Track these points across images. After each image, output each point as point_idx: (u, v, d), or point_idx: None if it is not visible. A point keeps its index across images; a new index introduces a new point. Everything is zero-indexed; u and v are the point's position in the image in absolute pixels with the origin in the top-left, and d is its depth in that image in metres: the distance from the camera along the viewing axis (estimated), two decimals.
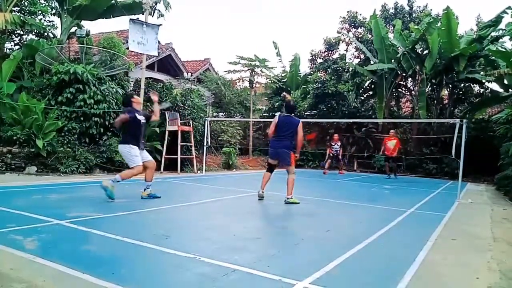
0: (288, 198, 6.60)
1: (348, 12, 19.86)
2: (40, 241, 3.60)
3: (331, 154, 14.79)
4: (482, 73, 15.41)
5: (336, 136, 15.10)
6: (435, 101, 16.95)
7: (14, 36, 13.54)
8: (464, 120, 8.41)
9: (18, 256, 3.11)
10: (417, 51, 16.07)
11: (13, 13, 11.64)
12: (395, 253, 3.92)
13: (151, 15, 11.62)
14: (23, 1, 12.68)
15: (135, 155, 6.08)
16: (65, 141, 9.78)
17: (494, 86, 16.33)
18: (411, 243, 4.32)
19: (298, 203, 6.54)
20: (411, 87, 17.76)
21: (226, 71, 19.26)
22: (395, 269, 3.33)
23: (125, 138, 6.27)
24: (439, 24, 14.98)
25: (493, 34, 14.80)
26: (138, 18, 11.10)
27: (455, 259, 3.77)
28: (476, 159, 12.61)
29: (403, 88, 18.75)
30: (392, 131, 14.13)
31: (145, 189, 6.37)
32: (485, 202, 8.45)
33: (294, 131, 6.64)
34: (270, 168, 7.04)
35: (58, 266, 2.90)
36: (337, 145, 14.81)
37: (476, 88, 17.46)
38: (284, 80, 20.46)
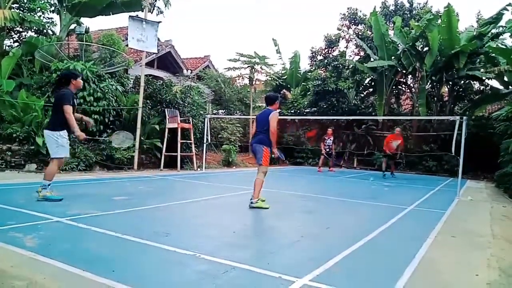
0: (252, 202, 5.76)
1: (348, 9, 19.86)
2: (40, 238, 3.61)
3: (325, 151, 14.60)
4: (482, 70, 15.41)
5: (329, 130, 14.77)
6: (435, 98, 16.95)
7: (13, 33, 13.50)
8: (464, 117, 8.41)
9: (19, 253, 3.12)
10: (417, 48, 16.05)
11: (12, 10, 11.60)
12: (394, 250, 3.93)
13: (150, 12, 11.62)
14: None
15: (62, 145, 5.47)
16: None
17: (494, 83, 16.35)
18: (410, 240, 4.32)
19: (267, 207, 5.75)
20: (411, 84, 17.75)
21: (226, 68, 19.28)
22: (394, 266, 3.34)
23: (56, 122, 5.49)
24: (439, 21, 14.94)
25: (493, 31, 14.78)
26: (137, 15, 11.10)
27: (455, 256, 3.78)
28: (476, 156, 12.61)
29: (403, 85, 18.74)
30: (398, 129, 13.38)
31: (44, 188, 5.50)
32: (485, 199, 8.45)
33: (267, 121, 5.82)
34: None
35: (58, 263, 2.91)
36: (330, 139, 14.58)
37: (476, 85, 17.46)
38: (284, 77, 20.44)
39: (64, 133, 5.48)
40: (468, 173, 13.38)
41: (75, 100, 5.71)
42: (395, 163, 13.64)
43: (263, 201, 5.87)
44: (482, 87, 17.34)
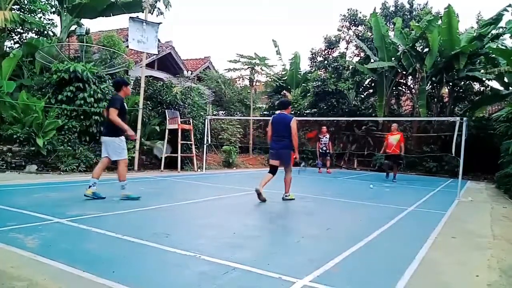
0: (286, 195, 6.80)
1: (348, 10, 19.89)
2: (41, 239, 3.61)
3: (320, 151, 14.28)
4: (482, 71, 15.42)
5: (324, 128, 14.50)
6: (435, 99, 16.96)
7: (14, 35, 13.51)
8: (464, 118, 8.41)
9: (19, 254, 3.12)
10: (418, 49, 16.08)
11: (13, 11, 11.62)
12: (395, 251, 3.93)
13: (151, 13, 11.63)
14: None
15: (123, 148, 5.92)
16: (65, 140, 9.78)
17: (495, 84, 16.35)
18: (411, 241, 4.32)
19: (294, 199, 6.81)
20: (411, 85, 17.77)
21: (226, 69, 19.27)
22: (395, 267, 3.34)
23: (113, 129, 5.79)
24: (439, 22, 14.96)
25: (493, 32, 14.80)
26: (138, 16, 11.11)
27: (455, 257, 3.78)
28: (476, 157, 12.61)
29: (403, 86, 18.76)
30: (394, 124, 12.20)
31: (91, 186, 5.89)
32: (485, 200, 8.45)
33: (289, 127, 6.48)
34: (272, 170, 6.72)
35: (59, 264, 2.91)
36: (326, 137, 14.17)
37: (477, 86, 17.49)
38: (284, 79, 20.45)
39: (123, 137, 5.91)
40: (468, 174, 13.38)
41: (124, 105, 6.02)
42: (397, 164, 12.32)
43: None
44: (482, 88, 17.37)
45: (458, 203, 7.62)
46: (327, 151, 14.27)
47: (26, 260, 3.00)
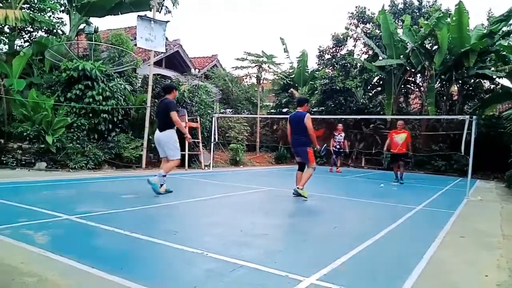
0: (298, 188, 6.61)
1: (356, 7, 19.78)
2: (50, 235, 3.65)
3: (334, 149, 13.78)
4: (492, 68, 15.21)
5: (339, 126, 13.98)
6: (445, 97, 16.78)
7: (24, 33, 13.65)
8: (474, 117, 8.32)
9: (29, 250, 3.16)
10: (426, 46, 15.91)
11: (23, 10, 11.74)
12: (403, 250, 3.91)
13: (158, 11, 11.68)
14: None
15: (177, 147, 6.32)
16: (74, 137, 9.88)
17: (505, 82, 16.10)
18: (419, 240, 4.29)
19: (306, 198, 6.52)
20: (420, 83, 17.60)
21: (233, 68, 19.28)
22: (402, 266, 3.32)
23: (170, 126, 6.25)
24: (448, 19, 14.79)
25: (504, 29, 14.57)
26: (145, 15, 11.15)
27: (464, 257, 3.75)
28: (486, 156, 12.47)
29: (412, 84, 18.60)
30: (400, 122, 11.04)
31: (162, 185, 6.31)
32: (495, 199, 8.36)
33: (303, 125, 6.59)
34: (300, 167, 7.02)
35: (68, 260, 2.94)
36: (341, 135, 13.66)
37: (487, 84, 17.24)
38: (292, 76, 20.39)
39: (177, 138, 6.29)
40: (477, 173, 13.23)
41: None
42: (404, 163, 11.36)
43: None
44: (492, 86, 17.12)
45: (467, 202, 7.55)
46: (341, 149, 13.81)
47: (36, 256, 3.03)
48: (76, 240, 3.61)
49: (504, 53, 13.91)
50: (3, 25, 11.41)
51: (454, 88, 17.22)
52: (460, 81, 16.32)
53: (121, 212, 5.00)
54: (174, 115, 6.04)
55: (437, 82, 16.52)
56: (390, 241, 4.22)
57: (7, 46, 12.55)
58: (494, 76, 15.45)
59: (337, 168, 13.97)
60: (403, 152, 10.51)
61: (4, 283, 2.56)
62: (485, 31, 14.99)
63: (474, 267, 3.45)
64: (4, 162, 8.94)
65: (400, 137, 10.42)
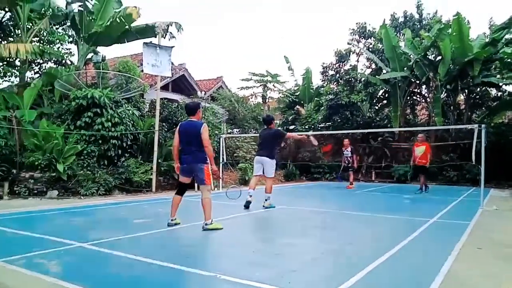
0: (206, 224, 5.41)
1: (357, 23, 19.98)
2: (64, 264, 3.67)
3: (343, 165, 13.52)
4: (498, 76, 15.15)
5: (346, 141, 13.53)
6: (452, 107, 16.70)
7: (34, 65, 14.06)
8: (483, 125, 8.25)
9: (43, 280, 3.17)
10: (430, 57, 15.95)
11: (33, 43, 12.12)
12: (418, 264, 3.83)
13: (163, 37, 11.92)
14: (42, 31, 13.20)
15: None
16: (85, 164, 10.00)
17: None
18: (435, 254, 4.21)
19: (221, 228, 5.46)
20: (426, 94, 17.57)
21: (239, 88, 19.56)
22: (419, 281, 3.25)
23: (274, 154, 7.68)
24: (450, 30, 14.87)
25: (507, 36, 14.57)
26: (151, 42, 11.42)
27: (482, 269, 3.66)
28: (498, 164, 12.28)
29: (418, 96, 18.57)
30: (420, 135, 11.48)
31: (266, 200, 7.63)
32: (511, 209, 8.18)
33: (199, 137, 5.39)
34: (181, 189, 5.79)
35: None
36: (347, 151, 13.29)
37: (493, 91, 17.15)
38: (297, 94, 20.54)
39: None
40: (491, 182, 13.01)
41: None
42: (424, 174, 11.37)
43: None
44: (499, 93, 17.02)
45: (482, 212, 7.41)
46: (349, 165, 13.39)
47: (50, 286, 3.04)
48: (89, 267, 3.61)
49: (509, 60, 13.87)
50: (14, 58, 11.79)
51: (461, 98, 17.16)
52: (466, 90, 16.27)
53: (133, 237, 5.00)
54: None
55: (443, 92, 16.47)
56: (405, 256, 4.15)
57: (18, 79, 12.92)
58: (501, 84, 15.38)
59: (349, 184, 13.43)
60: (421, 164, 10.91)
61: None
62: (487, 40, 15.03)
63: (493, 280, 3.36)
64: (17, 192, 9.06)
65: (419, 150, 10.90)
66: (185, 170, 5.60)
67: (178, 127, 5.64)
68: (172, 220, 5.66)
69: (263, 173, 7.74)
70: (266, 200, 7.59)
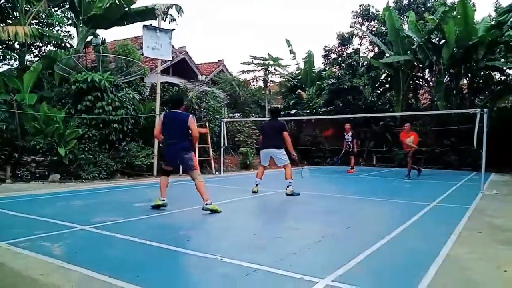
0: (206, 204, 5.49)
1: (360, 6, 19.64)
2: (67, 246, 3.72)
3: (345, 149, 13.53)
4: (502, 60, 14.96)
5: (347, 125, 13.55)
6: (454, 91, 16.57)
7: (33, 48, 13.94)
8: (485, 110, 8.20)
9: (47, 262, 3.22)
10: (433, 41, 15.75)
11: (32, 26, 11.98)
12: (418, 247, 3.86)
13: (163, 20, 11.77)
14: (41, 14, 13.03)
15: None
16: (86, 148, 10.02)
17: None
18: (434, 237, 4.24)
19: (220, 211, 5.50)
20: (429, 78, 17.43)
21: (240, 72, 19.36)
22: (419, 264, 3.28)
23: (281, 144, 7.42)
24: (454, 12, 14.63)
25: None
26: (151, 24, 11.26)
27: (481, 252, 3.69)
28: (499, 149, 12.26)
29: (421, 80, 18.42)
30: (407, 124, 11.79)
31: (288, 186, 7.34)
32: (511, 193, 8.22)
33: (186, 128, 5.60)
34: (167, 172, 5.98)
35: (85, 270, 2.99)
36: (348, 135, 13.31)
37: (497, 75, 16.97)
38: (299, 78, 20.38)
39: None
40: (492, 167, 12.98)
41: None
42: (417, 158, 11.92)
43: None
44: (503, 78, 16.85)
45: (482, 196, 7.44)
46: (350, 149, 13.44)
47: (54, 268, 3.08)
48: (92, 250, 3.66)
49: None
50: (13, 41, 11.68)
51: (464, 82, 17.01)
52: (469, 74, 16.11)
53: (135, 220, 5.05)
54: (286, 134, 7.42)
55: (446, 77, 16.32)
56: (405, 239, 4.18)
57: (17, 62, 12.84)
58: (505, 68, 15.22)
59: (351, 168, 13.45)
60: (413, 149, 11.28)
61: None
62: (493, 23, 14.79)
63: (492, 263, 3.39)
64: (19, 175, 9.11)
65: (410, 140, 11.26)
66: (170, 159, 5.84)
67: (162, 116, 5.83)
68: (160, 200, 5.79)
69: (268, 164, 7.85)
70: (288, 186, 7.37)
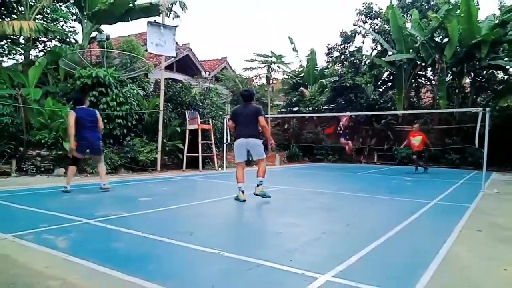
0: (104, 184, 7.01)
1: (363, 4, 19.59)
2: (71, 240, 3.77)
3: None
4: (506, 59, 14.93)
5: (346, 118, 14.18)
6: (457, 90, 16.55)
7: (38, 43, 14.00)
8: (487, 109, 8.20)
9: (52, 254, 3.27)
10: (436, 39, 15.72)
11: (37, 21, 12.03)
12: (418, 245, 3.90)
13: (167, 16, 11.81)
14: (45, 9, 13.08)
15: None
16: None
17: None
18: (434, 235, 4.28)
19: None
20: (431, 77, 17.39)
21: (243, 69, 19.34)
22: (418, 261, 3.32)
23: (259, 133, 6.51)
24: (458, 11, 14.58)
25: None
26: (155, 20, 11.31)
27: (481, 251, 3.73)
28: (502, 148, 12.25)
29: (423, 78, 18.39)
30: (416, 125, 12.77)
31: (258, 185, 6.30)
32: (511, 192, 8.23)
33: (96, 121, 7.04)
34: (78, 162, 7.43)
35: (89, 263, 3.04)
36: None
37: (500, 74, 16.93)
38: (301, 75, 20.37)
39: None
40: (493, 166, 13.01)
41: None
42: (419, 157, 12.67)
43: None
44: (506, 77, 16.80)
45: (483, 195, 7.46)
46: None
47: (58, 260, 3.14)
48: (96, 243, 3.71)
49: None
50: (18, 36, 11.75)
51: (466, 81, 16.97)
52: (472, 73, 16.08)
53: (138, 214, 5.11)
54: (263, 119, 6.39)
55: (449, 75, 16.30)
56: (405, 237, 4.22)
57: (22, 57, 12.91)
58: (508, 67, 15.18)
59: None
60: (420, 150, 12.35)
61: (30, 287, 2.67)
62: (496, 21, 14.75)
63: (492, 262, 3.42)
64: (24, 169, 9.19)
65: (416, 139, 12.12)
66: (84, 147, 6.94)
67: (75, 113, 6.78)
68: (66, 188, 6.73)
69: (248, 158, 6.80)
70: (258, 185, 6.21)
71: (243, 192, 6.26)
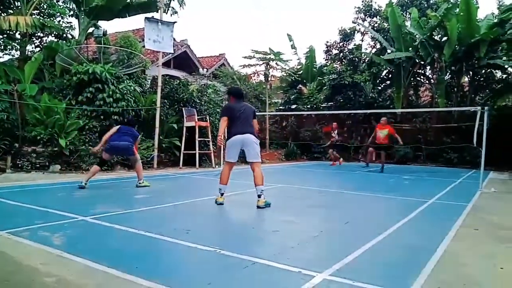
0: (140, 183, 7.34)
1: (363, 1, 19.55)
2: (67, 237, 3.74)
3: (331, 142, 14.67)
4: (504, 58, 14.95)
5: (334, 124, 14.84)
6: (455, 88, 16.56)
7: (34, 39, 13.89)
8: (486, 108, 8.19)
9: (47, 251, 3.24)
10: (435, 38, 15.71)
11: (33, 16, 11.93)
12: (416, 243, 3.89)
13: (165, 12, 11.75)
14: (42, 4, 12.98)
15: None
16: (87, 140, 10.03)
17: None
18: (432, 234, 4.27)
19: (149, 185, 7.32)
20: (430, 75, 17.39)
21: (241, 66, 19.29)
22: (416, 260, 3.31)
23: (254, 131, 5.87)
24: (457, 10, 14.57)
25: None
26: (153, 16, 11.24)
27: (478, 250, 3.72)
28: (499, 148, 12.28)
29: (422, 77, 18.39)
30: (383, 118, 12.59)
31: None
32: (509, 191, 8.25)
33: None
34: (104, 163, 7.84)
35: (84, 260, 3.01)
36: (335, 133, 14.68)
37: (499, 74, 16.95)
38: (300, 73, 20.33)
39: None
40: (491, 165, 13.03)
41: None
42: (386, 154, 12.90)
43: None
44: (504, 76, 16.82)
45: (480, 194, 7.46)
46: (336, 143, 14.72)
47: (54, 257, 3.11)
48: (92, 240, 3.68)
49: None
50: (14, 31, 11.64)
51: (465, 79, 16.99)
52: (470, 72, 16.09)
53: (135, 212, 5.08)
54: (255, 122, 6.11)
55: (447, 74, 16.31)
56: (403, 235, 4.21)
57: (18, 52, 12.80)
58: (506, 66, 15.19)
59: (334, 162, 14.67)
60: (385, 143, 12.18)
61: (25, 284, 2.63)
62: (495, 20, 14.75)
63: (489, 260, 3.41)
64: (20, 165, 9.13)
65: (382, 133, 12.01)
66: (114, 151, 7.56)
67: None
68: (84, 183, 6.88)
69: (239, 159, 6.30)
70: (259, 196, 5.53)
71: (222, 194, 5.70)
